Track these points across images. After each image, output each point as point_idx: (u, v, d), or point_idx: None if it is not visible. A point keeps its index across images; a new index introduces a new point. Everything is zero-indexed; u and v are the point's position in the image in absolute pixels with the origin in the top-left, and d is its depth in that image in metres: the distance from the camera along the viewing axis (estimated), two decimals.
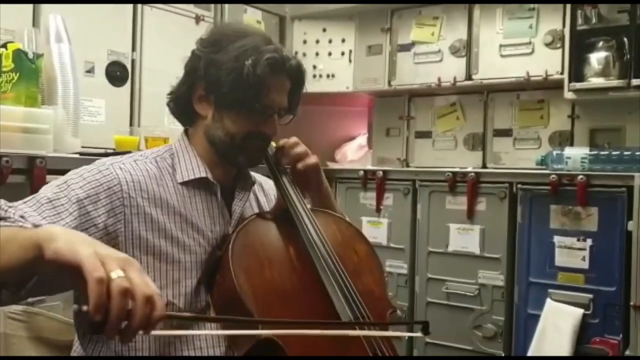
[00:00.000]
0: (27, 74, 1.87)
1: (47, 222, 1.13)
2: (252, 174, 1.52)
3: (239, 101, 1.31)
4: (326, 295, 1.29)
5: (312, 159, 1.47)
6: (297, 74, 1.39)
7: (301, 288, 1.30)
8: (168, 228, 1.28)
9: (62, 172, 1.85)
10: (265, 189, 1.56)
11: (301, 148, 1.47)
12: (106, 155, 2.03)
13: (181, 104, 1.39)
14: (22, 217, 1.11)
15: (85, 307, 0.84)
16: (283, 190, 1.42)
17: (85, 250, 0.89)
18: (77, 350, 1.31)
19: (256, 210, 1.49)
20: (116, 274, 0.86)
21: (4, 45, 1.97)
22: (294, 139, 1.48)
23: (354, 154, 3.39)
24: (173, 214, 1.30)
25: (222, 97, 1.32)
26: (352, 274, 1.36)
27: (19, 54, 1.87)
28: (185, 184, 1.34)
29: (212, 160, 1.38)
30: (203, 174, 1.35)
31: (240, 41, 1.32)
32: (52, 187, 1.22)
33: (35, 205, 1.17)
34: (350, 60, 3.06)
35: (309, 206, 1.44)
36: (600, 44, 2.38)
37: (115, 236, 1.22)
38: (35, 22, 2.18)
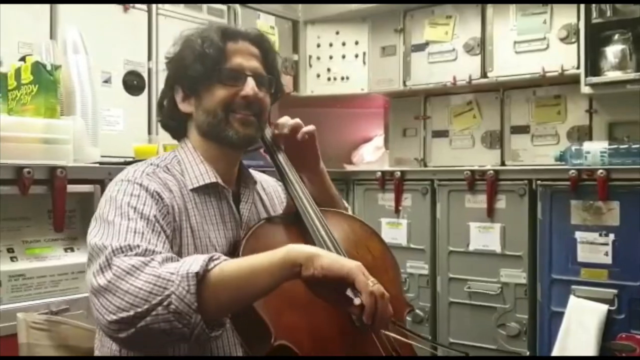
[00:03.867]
0: (46, 85, 1.90)
1: (165, 250, 1.16)
2: (252, 172, 1.51)
3: (206, 74, 1.33)
4: None
5: (309, 127, 1.47)
6: (259, 40, 1.39)
7: (312, 292, 1.27)
8: (190, 235, 1.29)
9: (83, 182, 1.89)
10: (265, 188, 1.55)
11: (295, 120, 1.47)
12: (126, 163, 2.06)
13: (170, 113, 1.41)
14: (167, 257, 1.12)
15: (358, 301, 1.09)
16: (292, 190, 1.41)
17: (351, 264, 1.10)
18: (98, 347, 1.32)
19: (262, 210, 1.48)
20: (372, 282, 1.10)
21: (23, 59, 2.00)
22: (285, 117, 1.48)
23: (371, 155, 3.39)
24: (189, 223, 1.29)
25: (192, 81, 1.34)
26: None
27: (37, 67, 1.89)
28: (195, 190, 1.34)
29: (212, 155, 1.37)
30: (213, 179, 1.35)
31: (191, 31, 1.40)
32: (125, 217, 1.18)
33: (145, 239, 1.15)
34: (364, 62, 3.07)
35: (317, 207, 1.42)
36: (616, 36, 2.36)
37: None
38: (52, 35, 2.21)
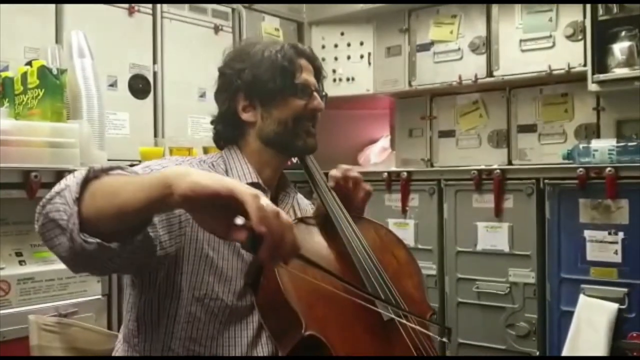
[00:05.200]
0: (52, 89, 1.91)
1: None
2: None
3: (281, 87, 1.40)
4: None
5: (368, 186, 1.55)
6: (314, 58, 1.50)
7: (343, 288, 1.31)
8: None
9: None
10: (300, 204, 1.60)
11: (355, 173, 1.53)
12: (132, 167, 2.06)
13: (229, 122, 1.45)
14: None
15: (240, 220, 0.91)
16: (322, 195, 1.46)
17: (230, 180, 0.96)
18: (119, 350, 1.33)
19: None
20: (265, 200, 0.94)
21: (29, 63, 2.01)
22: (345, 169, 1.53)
23: (377, 156, 3.38)
24: None
25: (266, 92, 1.41)
26: (392, 277, 1.40)
27: (43, 71, 1.90)
28: None
29: (264, 160, 1.44)
30: (255, 179, 1.41)
31: (258, 45, 1.45)
32: (138, 169, 1.25)
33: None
34: (369, 63, 3.06)
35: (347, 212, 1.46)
36: (623, 33, 2.35)
37: (185, 225, 1.25)
38: (58, 39, 2.22)
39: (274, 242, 0.93)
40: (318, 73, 1.50)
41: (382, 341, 1.30)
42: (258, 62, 1.41)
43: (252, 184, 1.39)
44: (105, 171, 1.09)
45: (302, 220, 1.45)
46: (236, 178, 1.39)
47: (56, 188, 1.07)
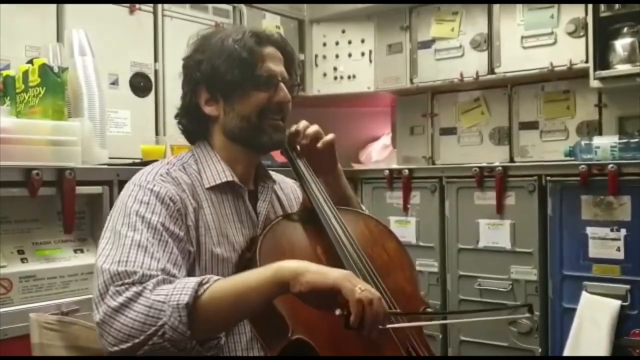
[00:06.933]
0: (53, 87, 1.90)
1: (169, 262, 1.18)
2: (271, 173, 1.53)
3: (241, 80, 1.33)
4: None
5: (330, 136, 1.50)
6: (283, 45, 1.41)
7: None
8: (206, 234, 1.30)
9: (92, 184, 1.90)
10: (283, 188, 1.57)
11: (314, 127, 1.49)
12: (134, 165, 2.07)
13: (193, 116, 1.41)
14: (163, 269, 1.16)
15: (339, 312, 1.11)
16: (308, 189, 1.43)
17: (335, 275, 1.12)
18: None
19: (279, 209, 1.50)
20: (359, 288, 1.10)
21: (30, 61, 2.00)
22: (304, 123, 1.49)
23: (379, 154, 3.38)
24: (205, 221, 1.31)
25: (226, 85, 1.34)
26: (382, 272, 1.36)
27: (44, 69, 1.90)
28: (212, 188, 1.35)
29: (233, 157, 1.39)
30: (230, 178, 1.36)
31: (218, 35, 1.38)
32: (131, 228, 1.20)
33: (148, 254, 1.16)
34: (370, 60, 3.06)
35: (334, 205, 1.43)
36: (625, 29, 2.34)
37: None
38: (59, 37, 2.22)
39: (370, 323, 1.11)
40: (289, 60, 1.41)
41: (371, 343, 1.25)
42: (217, 53, 1.34)
43: (227, 183, 1.36)
44: (197, 295, 1.10)
45: (287, 216, 1.42)
46: (210, 177, 1.35)
47: (144, 329, 1.07)
